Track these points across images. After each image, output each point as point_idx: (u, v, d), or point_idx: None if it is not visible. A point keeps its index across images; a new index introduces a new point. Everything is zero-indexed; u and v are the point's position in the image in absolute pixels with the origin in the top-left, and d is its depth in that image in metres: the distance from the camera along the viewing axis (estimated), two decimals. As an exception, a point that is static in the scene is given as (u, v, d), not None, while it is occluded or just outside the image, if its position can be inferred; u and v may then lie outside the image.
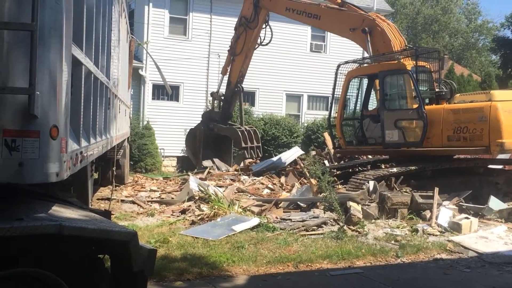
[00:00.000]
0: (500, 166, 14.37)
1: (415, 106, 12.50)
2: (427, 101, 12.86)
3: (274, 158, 17.18)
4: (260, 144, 18.03)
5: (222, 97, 18.41)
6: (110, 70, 7.79)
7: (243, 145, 17.23)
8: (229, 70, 17.96)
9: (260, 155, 17.52)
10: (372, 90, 14.67)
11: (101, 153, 7.79)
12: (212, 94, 19.13)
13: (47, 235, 3.43)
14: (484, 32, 57.24)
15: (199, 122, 19.32)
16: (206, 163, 17.40)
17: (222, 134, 18.08)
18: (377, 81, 13.80)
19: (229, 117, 18.70)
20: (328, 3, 15.28)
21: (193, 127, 19.69)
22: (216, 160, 17.42)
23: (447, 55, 44.01)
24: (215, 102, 18.96)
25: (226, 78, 18.25)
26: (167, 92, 21.08)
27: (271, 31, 16.88)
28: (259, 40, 17.27)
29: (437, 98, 12.72)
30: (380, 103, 13.36)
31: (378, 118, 13.30)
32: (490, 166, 13.72)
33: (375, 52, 13.51)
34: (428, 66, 13.10)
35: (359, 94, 14.83)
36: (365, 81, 14.89)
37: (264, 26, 16.99)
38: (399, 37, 13.58)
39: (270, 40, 16.97)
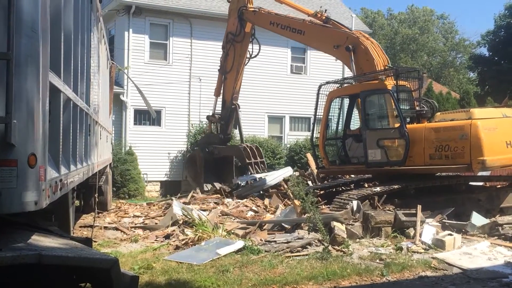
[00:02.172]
0: (480, 183, 14.49)
1: (396, 125, 12.60)
2: (408, 120, 12.98)
3: (268, 174, 16.91)
4: (264, 159, 17.83)
5: (219, 119, 18.32)
6: (90, 97, 7.78)
7: (247, 160, 17.08)
8: (222, 89, 17.96)
9: (265, 170, 17.31)
10: (354, 109, 14.78)
11: (83, 180, 7.74)
12: (208, 117, 19.02)
13: (27, 265, 3.39)
14: (461, 50, 58.32)
15: (197, 147, 19.08)
16: (208, 187, 17.24)
17: (222, 156, 17.87)
18: (359, 101, 13.91)
19: (229, 138, 18.57)
20: (313, 19, 15.41)
21: (192, 153, 19.50)
22: (217, 184, 17.23)
23: (425, 73, 44.66)
24: (212, 124, 18.81)
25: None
26: (149, 117, 21.06)
27: (259, 43, 17.14)
28: (248, 54, 17.44)
29: (418, 117, 12.84)
30: (362, 123, 13.46)
31: (361, 137, 13.38)
32: (472, 183, 13.83)
33: (358, 70, 13.64)
34: (408, 85, 13.26)
35: (341, 114, 14.94)
36: (347, 101, 14.98)
37: (251, 39, 17.20)
38: (382, 56, 13.72)
39: (259, 52, 17.22)
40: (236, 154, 17.51)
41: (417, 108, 12.95)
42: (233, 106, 17.83)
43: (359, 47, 13.66)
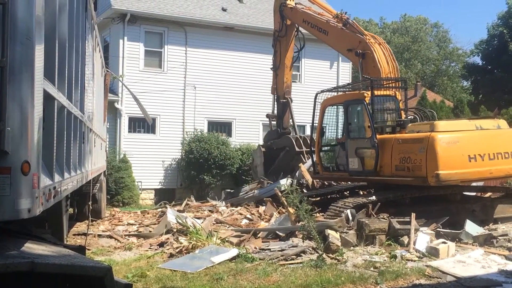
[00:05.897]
0: (473, 193, 14.47)
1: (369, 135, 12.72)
2: (390, 130, 12.99)
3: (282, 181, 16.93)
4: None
5: (276, 115, 18.72)
6: (84, 104, 7.77)
7: (297, 149, 17.23)
8: (276, 86, 18.43)
9: None
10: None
11: (76, 188, 7.71)
12: (267, 115, 19.53)
13: (20, 273, 3.37)
14: (454, 59, 58.62)
15: (261, 144, 19.22)
16: (261, 179, 17.50)
17: (279, 148, 18.06)
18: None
19: (286, 132, 18.74)
20: (336, 21, 15.42)
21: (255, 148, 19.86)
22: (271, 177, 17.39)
23: (419, 82, 44.84)
24: (273, 121, 19.17)
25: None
26: (143, 124, 21.07)
27: (303, 36, 17.65)
28: (296, 48, 18.06)
29: (400, 127, 12.85)
30: (345, 132, 13.61)
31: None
32: (466, 193, 13.81)
33: (366, 75, 13.70)
34: (396, 95, 13.33)
35: (334, 122, 15.06)
36: (340, 109, 15.08)
37: (295, 33, 17.82)
38: (391, 62, 13.71)
39: (303, 46, 17.93)
40: (287, 143, 17.78)
41: (404, 117, 13.01)
42: (285, 100, 18.19)
43: (368, 53, 13.71)
